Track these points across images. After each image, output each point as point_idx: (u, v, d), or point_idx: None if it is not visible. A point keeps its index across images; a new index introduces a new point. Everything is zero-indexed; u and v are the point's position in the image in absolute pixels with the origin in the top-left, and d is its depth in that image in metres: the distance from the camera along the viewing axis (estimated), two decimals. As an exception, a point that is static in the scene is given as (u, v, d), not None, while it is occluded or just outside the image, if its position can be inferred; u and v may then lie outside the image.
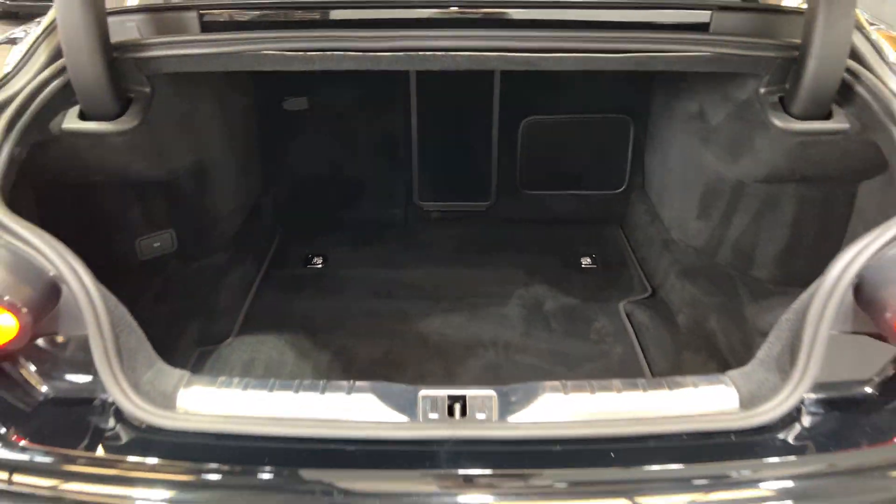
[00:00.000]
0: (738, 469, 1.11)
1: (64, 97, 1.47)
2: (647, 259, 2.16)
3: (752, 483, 1.10)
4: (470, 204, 2.45)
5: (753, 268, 1.86)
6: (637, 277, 2.13)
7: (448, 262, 2.24)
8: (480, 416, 1.18)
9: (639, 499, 1.08)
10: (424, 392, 1.21)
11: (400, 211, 2.44)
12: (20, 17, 6.93)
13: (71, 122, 1.49)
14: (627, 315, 1.93)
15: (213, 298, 1.92)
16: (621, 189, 2.38)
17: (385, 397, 1.19)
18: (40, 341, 1.21)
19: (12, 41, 1.65)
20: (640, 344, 1.82)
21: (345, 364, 1.78)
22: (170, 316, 1.78)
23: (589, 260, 2.23)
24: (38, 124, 1.41)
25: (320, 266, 2.23)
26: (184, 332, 1.77)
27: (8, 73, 1.45)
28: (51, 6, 1.43)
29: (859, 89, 1.44)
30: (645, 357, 1.78)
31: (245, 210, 2.18)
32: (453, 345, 1.84)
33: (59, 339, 1.22)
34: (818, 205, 1.75)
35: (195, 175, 1.88)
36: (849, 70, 1.45)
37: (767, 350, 1.26)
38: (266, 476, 1.10)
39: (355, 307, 2.01)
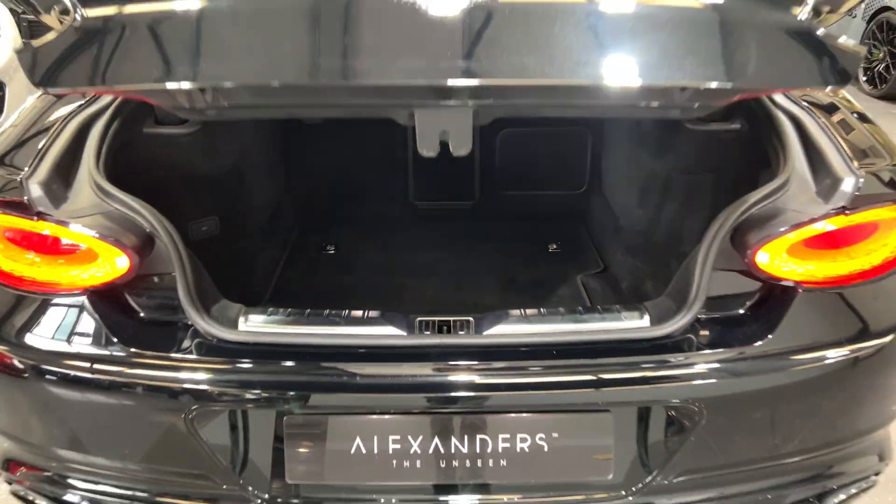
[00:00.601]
0: (646, 362, 1.55)
1: (144, 107, 1.92)
2: (602, 243, 2.62)
3: (657, 368, 1.54)
4: (457, 203, 2.92)
5: (682, 244, 2.31)
6: (593, 258, 2.59)
7: (439, 248, 2.69)
8: (462, 333, 1.62)
9: (569, 377, 1.52)
10: (420, 318, 1.65)
11: (399, 208, 2.90)
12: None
13: (149, 126, 1.95)
14: (583, 285, 2.38)
15: (249, 273, 2.36)
16: (582, 189, 2.86)
17: (391, 321, 1.62)
18: (140, 279, 1.64)
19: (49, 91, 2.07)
20: (591, 303, 2.27)
21: None
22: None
23: (555, 245, 2.69)
24: (126, 127, 1.86)
25: (333, 252, 2.68)
26: (227, 296, 2.21)
27: (104, 87, 1.91)
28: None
29: (747, 98, 1.91)
30: None
31: (272, 205, 2.64)
32: (443, 307, 2.28)
33: (154, 278, 1.65)
34: (729, 191, 2.20)
35: (235, 173, 2.34)
36: None
37: (672, 286, 1.71)
38: (301, 367, 1.53)
39: (362, 282, 2.46)
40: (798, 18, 1.35)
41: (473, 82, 1.27)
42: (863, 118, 1.86)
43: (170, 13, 1.34)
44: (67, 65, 1.32)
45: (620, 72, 1.28)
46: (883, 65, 7.11)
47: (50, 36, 1.35)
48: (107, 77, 1.30)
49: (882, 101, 7.02)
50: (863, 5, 7.50)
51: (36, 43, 1.35)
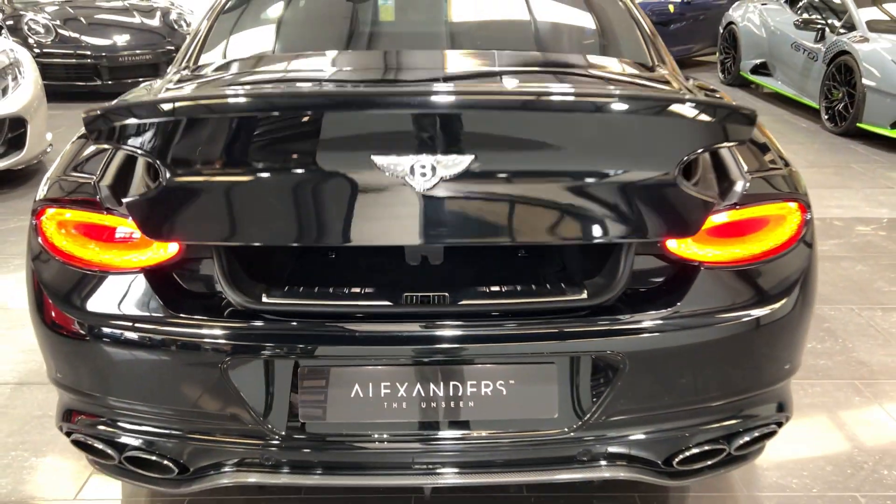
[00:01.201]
0: (581, 324, 1.97)
1: None
2: (563, 249, 3.05)
3: (589, 328, 1.96)
4: None
5: None
6: (556, 260, 3.02)
7: (426, 255, 3.11)
8: (439, 303, 2.05)
9: (523, 332, 1.94)
10: (406, 294, 2.08)
11: None
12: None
13: None
14: (544, 279, 2.81)
15: (262, 272, 2.78)
16: None
17: (384, 296, 2.05)
18: (185, 261, 2.04)
19: (84, 136, 2.22)
20: None
21: None
22: None
23: (523, 251, 3.12)
24: None
25: (334, 257, 3.10)
26: None
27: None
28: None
29: None
30: None
31: None
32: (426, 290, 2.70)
33: (196, 260, 2.05)
34: None
35: None
36: None
37: (606, 268, 2.14)
38: (310, 327, 1.95)
39: (360, 278, 2.87)
40: (669, 182, 1.84)
41: (446, 243, 1.98)
42: (781, 157, 2.30)
43: (226, 188, 1.86)
44: (159, 218, 1.87)
45: (548, 234, 1.93)
46: (842, 104, 7.65)
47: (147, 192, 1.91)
48: (186, 233, 1.91)
49: (842, 137, 7.55)
50: (823, 49, 8.09)
51: (136, 196, 1.89)
